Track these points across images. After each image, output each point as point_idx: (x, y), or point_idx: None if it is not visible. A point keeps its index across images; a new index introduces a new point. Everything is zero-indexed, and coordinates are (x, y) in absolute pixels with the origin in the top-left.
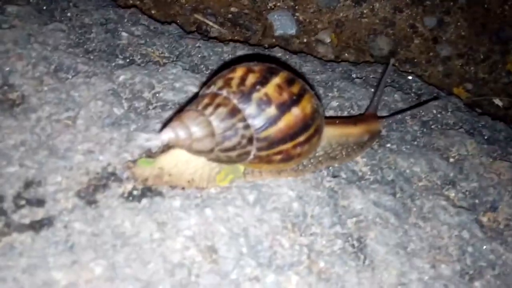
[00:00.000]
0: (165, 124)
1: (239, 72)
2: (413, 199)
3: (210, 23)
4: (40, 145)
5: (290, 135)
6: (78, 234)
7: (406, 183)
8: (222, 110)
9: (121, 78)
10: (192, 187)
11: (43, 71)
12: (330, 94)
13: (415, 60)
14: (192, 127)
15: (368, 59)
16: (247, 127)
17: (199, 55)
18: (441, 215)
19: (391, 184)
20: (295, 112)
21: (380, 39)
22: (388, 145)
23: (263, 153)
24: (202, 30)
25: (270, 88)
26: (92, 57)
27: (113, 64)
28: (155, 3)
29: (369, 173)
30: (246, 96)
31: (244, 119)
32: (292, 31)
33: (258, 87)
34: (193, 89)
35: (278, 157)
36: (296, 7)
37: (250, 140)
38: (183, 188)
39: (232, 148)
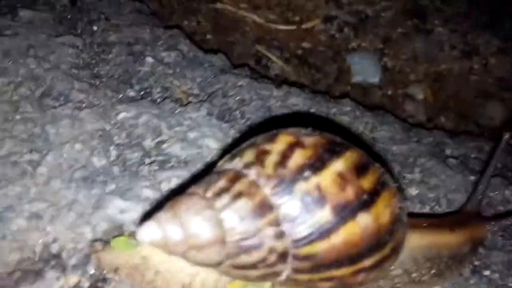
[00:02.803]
0: (149, 213)
1: (281, 142)
2: None
3: (273, 58)
4: None
5: (350, 256)
6: None
7: None
8: (244, 203)
9: (121, 115)
10: None
11: (24, 93)
12: (408, 176)
13: None
14: (191, 226)
15: (472, 129)
16: (280, 235)
17: (238, 97)
18: None
19: None
20: (364, 221)
21: (491, 104)
22: (487, 272)
23: (302, 277)
24: (261, 64)
25: (327, 177)
26: (97, 83)
27: (121, 95)
28: (214, 27)
29: None
30: (286, 184)
31: (277, 223)
32: (375, 79)
33: (307, 172)
34: (212, 145)
35: (326, 284)
36: (385, 50)
37: (283, 257)
38: None
39: (252, 266)
